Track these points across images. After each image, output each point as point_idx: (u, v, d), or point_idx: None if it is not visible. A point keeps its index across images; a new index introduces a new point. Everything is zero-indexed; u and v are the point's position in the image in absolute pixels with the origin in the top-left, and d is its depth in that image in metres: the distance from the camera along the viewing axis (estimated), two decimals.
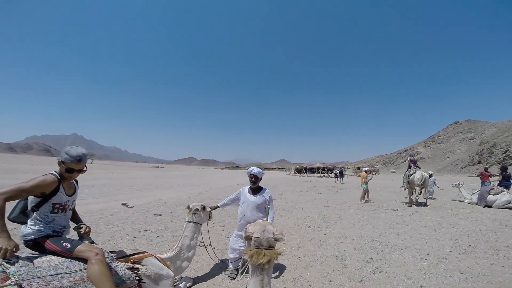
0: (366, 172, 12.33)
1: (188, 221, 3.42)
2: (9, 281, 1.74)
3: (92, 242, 2.34)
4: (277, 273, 3.93)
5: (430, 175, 13.07)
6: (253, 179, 3.89)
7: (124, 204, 9.14)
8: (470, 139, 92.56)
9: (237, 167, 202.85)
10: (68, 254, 2.08)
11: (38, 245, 2.09)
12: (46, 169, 29.32)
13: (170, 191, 14.80)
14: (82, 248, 2.10)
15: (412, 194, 10.74)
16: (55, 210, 2.18)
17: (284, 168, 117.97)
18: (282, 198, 13.17)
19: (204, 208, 3.62)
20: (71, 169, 2.24)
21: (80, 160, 2.26)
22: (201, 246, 5.09)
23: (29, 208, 2.13)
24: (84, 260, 2.05)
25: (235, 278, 3.72)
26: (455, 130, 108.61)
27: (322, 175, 54.31)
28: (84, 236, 2.38)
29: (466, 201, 10.60)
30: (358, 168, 70.77)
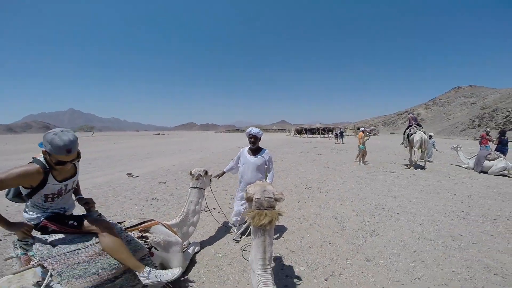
0: (363, 132, 12.21)
1: (192, 187, 3.49)
2: (32, 263, 1.79)
3: (100, 215, 2.36)
4: (278, 235, 4.15)
5: (430, 137, 13.13)
6: (252, 139, 3.89)
7: (129, 174, 9.33)
8: (471, 103, 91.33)
9: (238, 130, 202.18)
10: (77, 230, 2.08)
11: (43, 228, 2.01)
12: None
13: (172, 158, 14.97)
14: (89, 224, 2.09)
15: (412, 153, 10.75)
16: (49, 199, 2.00)
17: (284, 129, 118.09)
18: (283, 159, 13.41)
19: (206, 173, 3.68)
20: (61, 161, 1.86)
21: (69, 150, 1.85)
22: (206, 211, 5.30)
23: (23, 194, 1.96)
24: (96, 234, 2.08)
25: (240, 241, 3.95)
26: (457, 94, 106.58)
27: (322, 135, 54.53)
28: (91, 210, 2.36)
29: (462, 165, 10.79)
30: (358, 128, 70.81)
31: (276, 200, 1.97)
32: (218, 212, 5.29)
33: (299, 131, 64.95)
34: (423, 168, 10.30)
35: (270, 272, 1.89)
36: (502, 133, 11.16)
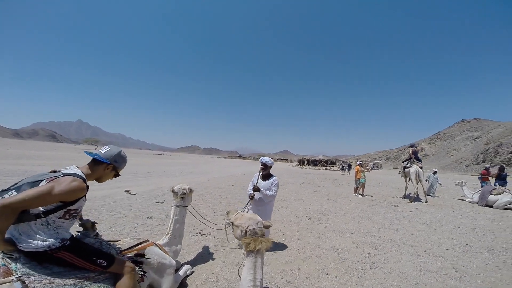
0: (361, 166, 12.53)
1: (175, 205, 3.48)
2: (12, 277, 1.66)
3: (97, 235, 2.32)
4: (274, 263, 4.05)
5: (434, 173, 13.12)
6: (262, 166, 4.55)
7: (127, 191, 9.30)
8: (476, 138, 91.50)
9: (240, 156, 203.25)
10: (100, 270, 1.93)
11: (53, 259, 1.77)
12: (52, 155, 29.78)
13: (173, 179, 15.01)
14: (119, 265, 2.01)
15: (407, 186, 11.82)
16: (67, 216, 1.83)
17: (287, 159, 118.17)
18: (284, 189, 13.29)
19: (191, 190, 3.68)
20: (118, 174, 2.23)
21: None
22: (201, 235, 5.23)
23: (30, 213, 1.70)
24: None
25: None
26: (462, 128, 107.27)
27: (324, 167, 54.35)
28: (90, 230, 2.33)
29: (467, 200, 10.62)
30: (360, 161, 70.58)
31: (266, 227, 2.20)
32: (214, 236, 5.20)
33: (301, 162, 64.93)
34: (426, 202, 10.14)
35: None
36: (501, 169, 11.74)
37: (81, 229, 2.32)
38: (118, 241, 2.56)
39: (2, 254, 1.72)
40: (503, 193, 9.03)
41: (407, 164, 11.43)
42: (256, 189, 4.38)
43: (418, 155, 11.83)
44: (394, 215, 7.78)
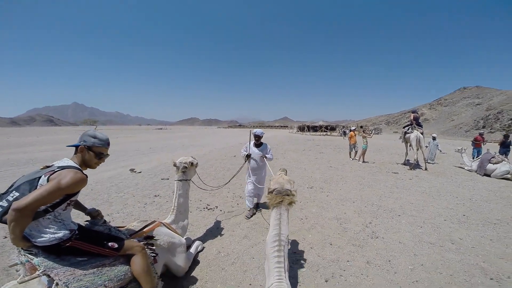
0: (363, 131, 12.81)
1: (177, 180, 3.47)
2: (37, 272, 1.75)
3: (104, 222, 2.39)
4: None
5: (434, 138, 13.18)
6: (256, 138, 5.15)
7: (132, 170, 9.38)
8: (477, 104, 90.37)
9: (240, 125, 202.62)
10: (114, 254, 2.03)
11: (68, 249, 1.86)
12: (53, 139, 29.52)
13: (175, 153, 15.10)
14: (129, 246, 2.11)
15: (407, 152, 12.08)
16: (68, 207, 1.94)
17: (287, 126, 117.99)
18: (285, 157, 13.45)
19: (192, 164, 3.64)
20: (102, 153, 2.11)
21: (109, 143, 2.19)
22: (208, 209, 5.40)
23: (40, 209, 1.75)
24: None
25: (250, 217, 4.99)
26: (463, 95, 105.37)
27: (324, 133, 54.44)
28: (97, 218, 2.39)
29: (466, 167, 10.78)
30: (361, 126, 70.68)
31: (292, 192, 2.44)
32: (221, 210, 5.37)
33: (301, 129, 64.85)
34: (425, 169, 10.30)
35: (285, 249, 2.10)
36: (506, 136, 11.88)
37: (89, 218, 2.41)
38: (125, 226, 2.64)
39: (23, 251, 1.80)
40: (501, 162, 9.11)
41: (408, 129, 11.32)
42: (262, 157, 5.02)
43: (420, 121, 11.72)
44: (394, 183, 7.96)
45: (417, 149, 10.55)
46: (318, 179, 8.26)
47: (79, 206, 2.39)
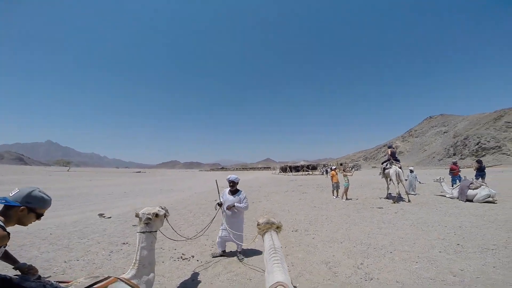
0: (344, 170, 12.82)
1: (140, 232, 3.08)
2: None
3: (39, 278, 2.01)
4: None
5: (411, 171, 13.35)
6: (231, 184, 4.91)
7: (100, 215, 8.62)
8: (444, 132, 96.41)
9: (222, 168, 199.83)
10: None
11: None
12: (19, 179, 27.81)
13: (151, 199, 14.27)
14: None
15: (388, 187, 12.06)
16: None
17: (269, 167, 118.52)
18: (268, 199, 12.95)
19: (157, 215, 3.24)
20: (42, 214, 2.06)
21: (50, 203, 2.10)
22: (183, 259, 4.79)
23: None
24: None
25: (215, 256, 4.90)
26: (430, 124, 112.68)
27: (306, 173, 54.84)
28: (28, 274, 2.05)
29: (447, 195, 10.80)
30: (341, 164, 72.10)
31: (277, 223, 2.99)
32: (197, 260, 4.76)
33: (284, 169, 65.11)
34: (408, 201, 10.20)
35: (280, 254, 2.55)
36: (479, 162, 12.37)
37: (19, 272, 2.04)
38: (70, 281, 2.12)
39: None
40: (480, 187, 9.22)
41: (387, 165, 11.49)
42: (230, 207, 4.74)
43: (396, 155, 11.97)
44: (380, 218, 7.66)
45: (398, 183, 10.59)
46: (302, 220, 7.79)
47: (9, 258, 2.10)
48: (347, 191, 11.93)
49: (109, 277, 2.32)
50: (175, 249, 5.39)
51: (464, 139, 70.37)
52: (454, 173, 12.79)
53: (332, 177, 12.98)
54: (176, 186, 25.76)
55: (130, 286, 2.48)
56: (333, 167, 13.63)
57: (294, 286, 3.47)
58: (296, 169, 62.13)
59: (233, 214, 4.80)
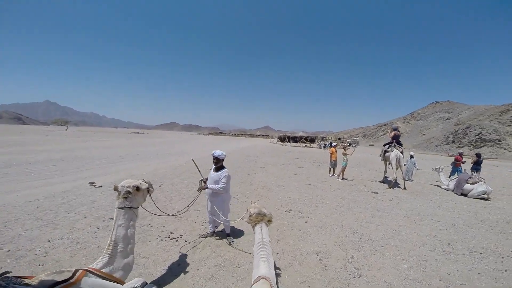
0: (334, 148, 12.76)
1: (118, 207, 2.84)
2: None
3: (5, 274, 1.80)
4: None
5: (411, 156, 13.25)
6: (214, 160, 4.59)
7: (91, 184, 8.49)
8: (447, 119, 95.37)
9: (221, 133, 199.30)
10: None
11: None
12: (16, 140, 27.45)
13: (147, 163, 14.17)
14: None
15: (386, 171, 12.01)
16: None
17: (268, 135, 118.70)
18: (264, 172, 12.97)
19: (138, 188, 2.98)
20: None
21: None
22: (171, 239, 4.75)
23: None
24: None
25: (204, 237, 4.86)
26: (435, 109, 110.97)
27: (304, 145, 55.04)
28: None
29: (442, 186, 10.80)
30: (339, 139, 72.26)
31: (268, 215, 3.19)
32: (186, 240, 4.74)
33: (282, 139, 65.27)
34: (404, 188, 10.20)
35: (268, 248, 2.71)
36: (479, 155, 12.45)
37: None
38: (32, 277, 1.93)
39: None
40: (478, 182, 9.16)
41: (388, 148, 11.25)
42: (203, 187, 4.48)
43: (400, 138, 11.70)
44: (374, 205, 7.67)
45: (397, 168, 10.50)
46: (296, 200, 7.80)
47: None
48: (344, 170, 11.90)
49: (76, 271, 2.11)
50: (164, 226, 5.34)
51: (466, 128, 69.75)
52: (457, 164, 12.69)
53: (331, 154, 12.86)
54: (174, 149, 25.72)
55: (102, 278, 2.31)
56: (334, 144, 13.44)
57: (277, 280, 3.48)
58: (295, 139, 62.25)
59: (214, 194, 4.53)
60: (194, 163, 5.18)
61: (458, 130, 71.61)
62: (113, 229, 2.75)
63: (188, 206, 4.81)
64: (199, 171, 4.97)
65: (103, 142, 32.80)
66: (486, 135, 61.99)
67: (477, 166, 12.43)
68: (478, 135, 63.33)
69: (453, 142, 68.77)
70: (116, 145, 27.86)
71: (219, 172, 4.50)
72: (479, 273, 3.98)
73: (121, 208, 2.83)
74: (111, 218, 5.59)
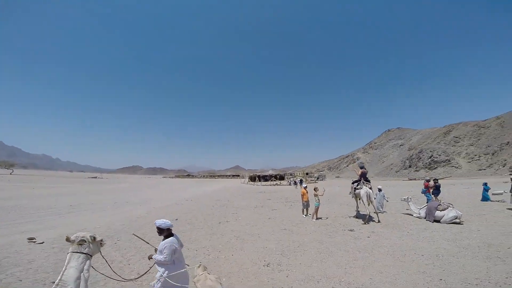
0: (305, 189, 12.84)
1: (72, 252, 2.80)
2: None
3: None
4: None
5: (380, 190, 13.43)
6: (157, 230, 3.93)
7: (30, 239, 7.22)
8: (400, 145, 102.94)
9: (189, 175, 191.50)
10: None
11: None
12: None
13: (101, 215, 12.66)
14: None
15: (358, 206, 12.19)
16: None
17: (239, 175, 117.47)
18: (237, 218, 12.15)
19: (94, 238, 3.01)
20: None
21: None
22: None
23: None
24: None
25: None
26: (388, 137, 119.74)
27: (275, 183, 55.24)
28: None
29: (414, 215, 10.90)
30: (307, 173, 73.45)
31: None
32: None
33: (253, 179, 64.84)
34: (379, 221, 10.08)
35: None
36: (436, 180, 13.65)
37: None
38: None
39: None
40: (447, 208, 9.35)
41: (357, 185, 11.42)
42: (150, 256, 3.96)
43: (367, 175, 11.92)
44: (354, 245, 7.27)
45: (368, 204, 10.54)
46: (274, 250, 7.12)
47: None
48: (317, 210, 11.59)
49: None
50: None
51: (418, 152, 75.40)
52: (428, 190, 13.29)
53: (302, 195, 12.64)
54: (135, 197, 23.81)
55: None
56: (304, 186, 13.26)
57: None
58: (265, 178, 62.23)
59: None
60: (138, 237, 4.46)
61: (412, 155, 77.04)
62: (63, 270, 2.62)
63: (146, 271, 4.21)
64: (147, 243, 4.38)
65: (52, 188, 29.56)
66: (437, 157, 67.30)
67: (437, 190, 13.37)
68: (430, 157, 68.49)
69: (410, 166, 73.40)
70: (68, 193, 25.13)
71: (163, 242, 3.86)
72: None
73: (75, 252, 2.77)
74: (53, 282, 4.57)
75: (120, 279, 3.86)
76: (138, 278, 4.27)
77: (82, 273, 2.67)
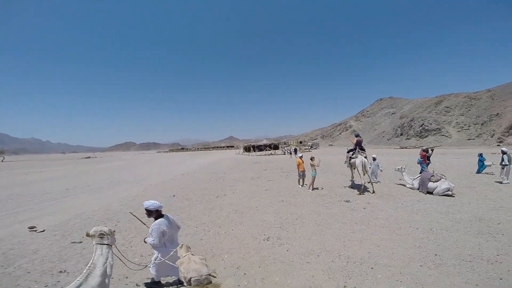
0: (301, 159, 12.81)
1: (97, 244, 3.08)
2: None
3: None
4: None
5: (374, 159, 13.62)
6: (146, 212, 3.95)
7: (31, 228, 7.22)
8: (392, 114, 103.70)
9: (183, 148, 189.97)
10: None
11: None
12: None
13: (98, 196, 12.61)
14: None
15: (353, 176, 12.28)
16: None
17: (233, 146, 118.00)
18: (234, 191, 12.29)
19: (111, 231, 3.28)
20: None
21: None
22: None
23: None
24: None
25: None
26: (380, 106, 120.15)
27: (269, 153, 55.80)
28: None
29: (407, 185, 11.17)
30: (301, 142, 74.16)
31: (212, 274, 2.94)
32: None
33: (247, 149, 65.33)
34: (373, 191, 10.33)
35: None
36: (426, 151, 13.77)
37: None
38: None
39: None
40: (440, 179, 9.54)
41: (353, 154, 11.41)
42: (144, 239, 3.99)
43: (362, 144, 11.95)
44: (351, 217, 7.48)
45: (364, 174, 10.64)
46: (273, 223, 7.28)
47: None
48: (314, 181, 11.75)
49: None
50: (127, 277, 4.52)
51: (410, 120, 76.11)
52: (424, 161, 13.40)
53: (298, 165, 12.72)
54: (130, 174, 23.74)
55: None
56: (299, 155, 13.30)
57: None
58: (259, 148, 62.74)
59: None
60: (134, 215, 4.52)
61: (404, 123, 77.85)
62: (93, 256, 2.99)
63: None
64: (144, 224, 4.38)
65: (46, 172, 29.36)
66: (428, 125, 68.22)
67: (428, 160, 13.59)
68: (421, 126, 69.39)
69: (401, 134, 74.52)
70: (62, 175, 25.01)
71: (152, 224, 3.85)
72: (476, 285, 3.84)
73: (99, 244, 3.07)
74: (61, 271, 4.68)
75: (133, 266, 4.08)
76: (146, 267, 4.23)
77: (108, 260, 3.03)
